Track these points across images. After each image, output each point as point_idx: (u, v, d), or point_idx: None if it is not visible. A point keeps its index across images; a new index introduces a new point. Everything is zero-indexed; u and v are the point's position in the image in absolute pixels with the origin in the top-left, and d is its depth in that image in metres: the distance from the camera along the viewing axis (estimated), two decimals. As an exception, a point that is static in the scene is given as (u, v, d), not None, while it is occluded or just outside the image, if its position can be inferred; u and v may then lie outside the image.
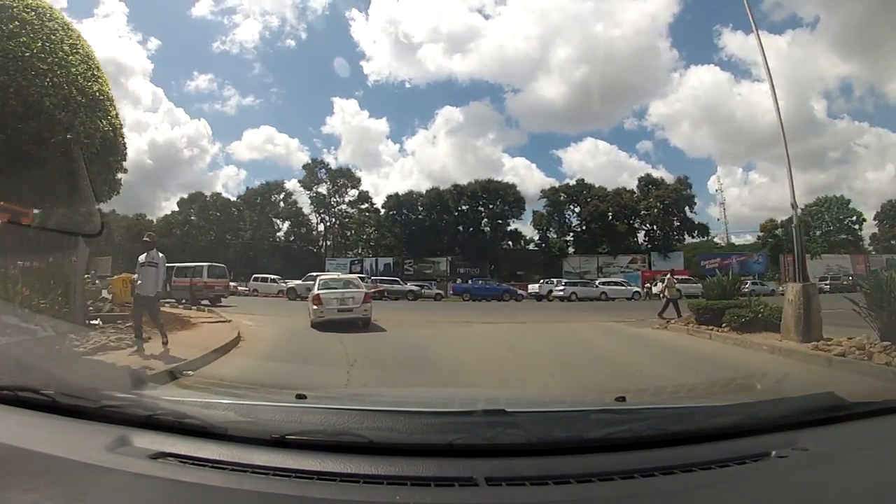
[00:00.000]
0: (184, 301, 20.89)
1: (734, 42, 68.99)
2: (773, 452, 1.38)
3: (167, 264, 28.91)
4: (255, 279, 34.69)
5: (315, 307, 12.67)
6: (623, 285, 36.14)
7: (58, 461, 1.24)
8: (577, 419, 1.69)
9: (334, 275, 17.02)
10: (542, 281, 37.61)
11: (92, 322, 9.00)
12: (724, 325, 11.47)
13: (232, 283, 38.54)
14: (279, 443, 1.35)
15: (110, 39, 69.53)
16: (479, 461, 1.29)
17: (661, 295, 16.17)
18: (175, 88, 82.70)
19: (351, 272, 41.39)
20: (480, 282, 38.05)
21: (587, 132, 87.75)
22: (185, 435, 1.39)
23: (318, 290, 13.40)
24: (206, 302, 22.04)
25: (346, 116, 74.00)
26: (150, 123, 74.67)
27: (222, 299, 23.83)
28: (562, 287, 34.15)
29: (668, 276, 16.96)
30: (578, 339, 11.77)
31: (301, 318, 13.71)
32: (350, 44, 77.53)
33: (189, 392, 2.21)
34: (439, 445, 1.36)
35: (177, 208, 58.99)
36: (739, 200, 75.99)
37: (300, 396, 1.85)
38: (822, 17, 60.78)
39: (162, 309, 14.73)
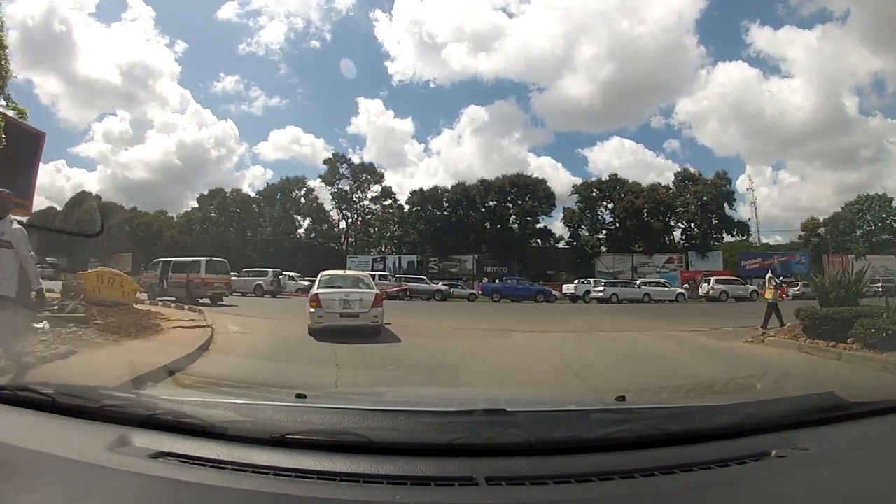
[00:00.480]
0: (174, 300, 19.35)
1: (762, 38, 71.37)
2: (773, 452, 1.38)
3: (166, 259, 26.07)
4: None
5: (312, 310, 10.45)
6: (666, 286, 33.72)
7: (58, 461, 1.25)
8: (577, 419, 1.70)
9: (340, 271, 13.79)
10: (577, 281, 35.67)
11: (37, 325, 7.49)
12: (849, 339, 8.93)
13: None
14: (279, 442, 1.35)
15: (138, 43, 73.81)
16: (479, 461, 1.29)
17: (772, 297, 13.45)
18: (202, 90, 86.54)
19: (373, 270, 39.53)
20: (511, 281, 35.66)
21: (613, 131, 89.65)
22: (185, 434, 1.39)
23: (318, 288, 11.18)
24: (206, 301, 20.35)
25: (371, 116, 75.63)
26: (177, 125, 78.69)
27: (224, 298, 21.88)
28: (601, 288, 31.84)
29: (768, 275, 14.29)
30: (662, 360, 9.01)
31: (302, 322, 11.11)
32: (374, 44, 79.20)
33: (189, 392, 2.21)
34: (439, 445, 1.35)
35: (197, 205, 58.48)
36: (769, 200, 75.54)
37: (300, 396, 1.85)
38: (852, 11, 58.88)
39: (148, 307, 12.97)
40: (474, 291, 35.44)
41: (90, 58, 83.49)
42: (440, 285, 34.84)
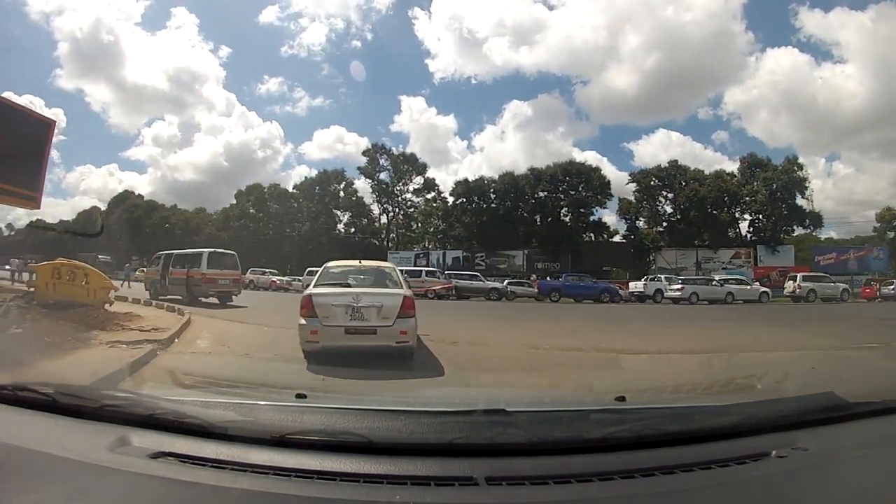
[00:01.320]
0: (179, 299, 17.22)
1: (812, 22, 69.86)
2: (773, 452, 1.40)
3: (167, 252, 23.29)
4: (310, 273, 31.03)
5: (303, 321, 6.87)
6: (748, 284, 30.02)
7: (58, 461, 1.28)
8: (577, 419, 1.72)
9: (353, 262, 8.94)
10: (646, 278, 32.76)
11: None
12: None
13: (286, 278, 35.22)
14: (279, 442, 1.38)
15: (183, 49, 78.73)
16: (480, 461, 1.31)
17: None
18: (247, 93, 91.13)
19: (416, 265, 36.85)
20: (572, 278, 32.36)
21: (659, 123, 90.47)
22: (186, 434, 1.43)
23: (315, 287, 7.50)
24: (214, 301, 18.10)
25: (414, 114, 77.57)
26: (224, 127, 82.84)
27: (234, 297, 18.87)
28: (679, 286, 28.20)
29: None
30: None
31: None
32: (415, 42, 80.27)
33: (189, 391, 2.25)
34: (439, 445, 1.38)
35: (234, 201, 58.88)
36: (822, 193, 73.84)
37: (300, 396, 1.89)
38: (911, -12, 54.24)
39: (129, 309, 11.35)
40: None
41: (138, 65, 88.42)
42: (494, 283, 32.11)
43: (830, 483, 1.33)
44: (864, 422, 1.66)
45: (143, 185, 76.57)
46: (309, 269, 32.96)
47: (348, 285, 7.49)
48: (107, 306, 10.58)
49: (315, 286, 7.48)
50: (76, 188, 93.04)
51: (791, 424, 1.57)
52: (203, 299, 17.66)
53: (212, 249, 19.75)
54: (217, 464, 1.27)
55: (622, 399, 2.00)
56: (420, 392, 3.18)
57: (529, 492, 1.22)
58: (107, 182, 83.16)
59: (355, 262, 8.73)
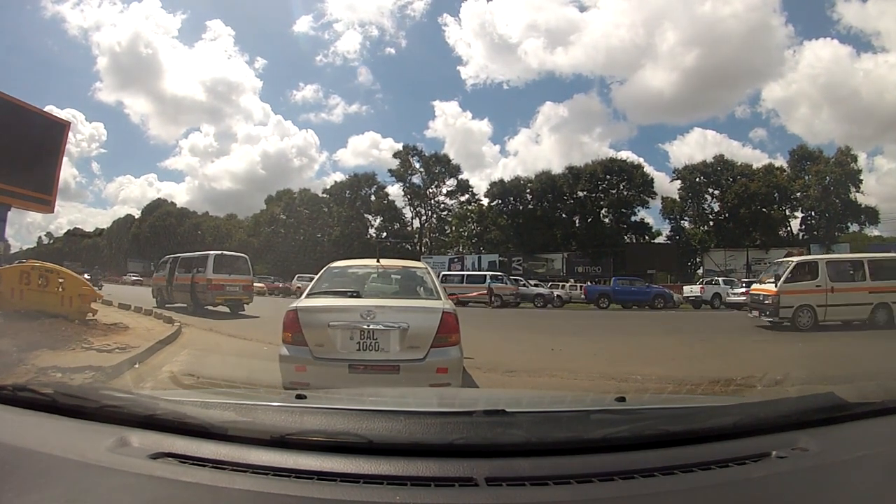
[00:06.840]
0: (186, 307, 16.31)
1: (851, 11, 66.27)
2: (773, 452, 1.40)
3: (175, 255, 21.76)
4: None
5: (286, 349, 4.60)
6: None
7: (58, 461, 1.28)
8: (578, 419, 1.71)
9: (364, 261, 6.06)
10: (702, 281, 30.90)
11: None
12: None
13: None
14: (279, 443, 1.38)
15: (220, 61, 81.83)
16: (479, 461, 1.31)
17: None
18: (283, 102, 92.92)
19: (449, 270, 34.97)
20: (622, 282, 30.37)
21: (696, 122, 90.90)
22: (185, 435, 1.43)
23: (308, 297, 5.22)
24: (224, 309, 16.75)
25: (448, 119, 78.68)
26: (260, 136, 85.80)
27: (245, 305, 17.08)
28: (742, 290, 25.74)
29: None
30: None
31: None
32: (446, 48, 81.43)
33: (189, 392, 2.35)
34: (439, 445, 1.37)
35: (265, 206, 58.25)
36: (864, 189, 68.38)
37: (300, 396, 1.88)
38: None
39: (119, 319, 10.41)
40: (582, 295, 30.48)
41: (175, 77, 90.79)
42: (541, 289, 30.52)
43: (830, 483, 1.32)
44: (864, 422, 1.64)
45: (180, 195, 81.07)
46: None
47: (356, 294, 5.12)
48: (90, 316, 9.55)
49: (307, 296, 5.23)
50: (116, 198, 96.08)
51: (791, 424, 1.56)
52: (211, 308, 16.38)
53: (219, 252, 17.98)
54: (217, 464, 1.27)
55: (622, 399, 1.97)
56: (420, 393, 3.00)
57: (529, 492, 1.21)
58: (146, 192, 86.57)
59: (371, 262, 6.00)
